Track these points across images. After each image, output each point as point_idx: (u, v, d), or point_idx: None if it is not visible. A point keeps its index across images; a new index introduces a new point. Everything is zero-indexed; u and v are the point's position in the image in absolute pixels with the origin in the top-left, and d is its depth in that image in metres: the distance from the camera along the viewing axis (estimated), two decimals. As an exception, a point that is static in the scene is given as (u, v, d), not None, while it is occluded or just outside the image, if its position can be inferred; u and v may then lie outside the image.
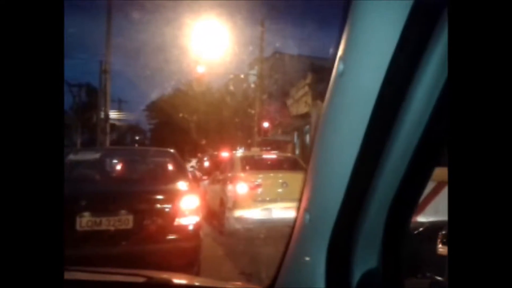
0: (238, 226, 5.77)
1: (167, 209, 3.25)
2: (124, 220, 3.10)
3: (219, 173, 7.62)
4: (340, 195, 0.61)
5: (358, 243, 0.65)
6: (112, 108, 16.31)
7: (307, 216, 0.70)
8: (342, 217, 0.62)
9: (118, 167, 4.17)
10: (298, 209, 0.76)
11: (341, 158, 0.62)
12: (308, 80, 17.72)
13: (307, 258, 0.71)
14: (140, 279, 1.00)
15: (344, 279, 0.66)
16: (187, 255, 3.18)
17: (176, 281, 1.02)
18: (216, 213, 6.66)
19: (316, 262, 0.67)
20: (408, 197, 0.63)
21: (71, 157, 4.19)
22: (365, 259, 0.66)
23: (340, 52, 0.59)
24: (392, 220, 0.64)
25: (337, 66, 0.59)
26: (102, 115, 13.99)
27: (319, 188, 0.69)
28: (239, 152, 8.47)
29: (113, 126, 15.78)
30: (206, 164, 12.77)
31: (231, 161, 7.33)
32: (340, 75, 0.59)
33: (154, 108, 29.16)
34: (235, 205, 5.86)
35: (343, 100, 0.61)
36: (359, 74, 0.57)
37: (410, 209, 0.66)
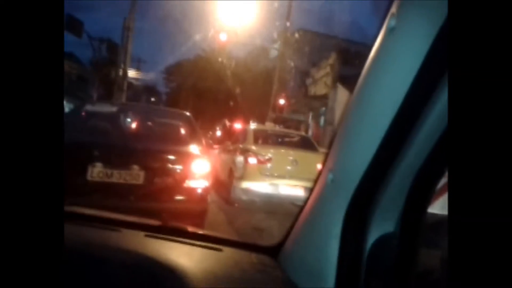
0: (244, 197, 5.81)
1: (178, 170, 3.26)
2: (135, 175, 3.12)
3: (230, 143, 7.62)
4: (367, 159, 0.60)
5: (377, 207, 0.65)
6: (131, 67, 16.32)
7: (330, 176, 0.70)
8: (366, 181, 0.62)
9: (134, 123, 4.18)
10: (320, 172, 0.76)
11: (376, 119, 0.59)
12: (331, 61, 17.39)
13: (324, 217, 0.71)
14: (154, 222, 1.01)
15: (359, 240, 0.66)
16: (193, 217, 3.21)
17: (190, 228, 1.01)
18: (223, 182, 6.70)
19: (333, 221, 0.68)
20: (435, 169, 0.62)
21: (88, 107, 4.21)
22: (383, 224, 0.66)
23: (393, 8, 0.57)
24: (415, 189, 0.63)
25: (387, 22, 0.58)
26: (121, 72, 13.99)
27: (347, 150, 0.68)
28: (253, 125, 8.44)
29: (130, 85, 15.83)
30: (218, 133, 12.83)
31: (244, 133, 7.31)
32: (390, 31, 0.57)
33: (172, 72, 29.06)
34: (243, 176, 5.88)
35: (389, 58, 0.58)
36: (410, 31, 0.54)
37: (435, 183, 0.64)
